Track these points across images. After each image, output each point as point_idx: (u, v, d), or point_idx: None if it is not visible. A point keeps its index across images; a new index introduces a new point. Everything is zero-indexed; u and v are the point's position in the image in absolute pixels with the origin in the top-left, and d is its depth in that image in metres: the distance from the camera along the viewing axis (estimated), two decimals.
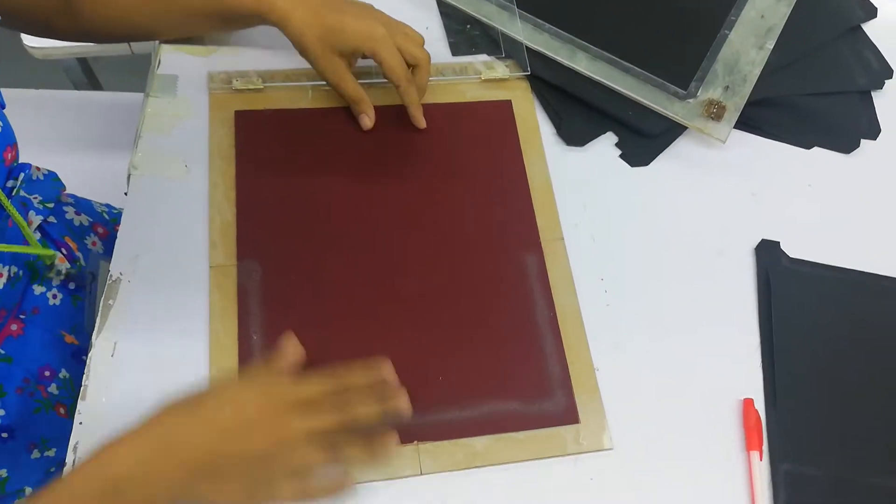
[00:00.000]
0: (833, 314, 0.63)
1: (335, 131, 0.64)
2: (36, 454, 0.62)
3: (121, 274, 0.56)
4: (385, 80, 0.64)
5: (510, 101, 0.68)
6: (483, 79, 0.69)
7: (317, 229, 0.59)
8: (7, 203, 0.54)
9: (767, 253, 0.64)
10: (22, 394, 0.58)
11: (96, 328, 0.54)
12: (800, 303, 0.62)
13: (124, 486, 0.42)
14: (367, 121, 0.64)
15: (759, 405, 0.58)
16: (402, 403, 0.48)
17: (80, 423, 0.50)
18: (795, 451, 0.56)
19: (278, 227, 0.59)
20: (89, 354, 0.53)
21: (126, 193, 0.60)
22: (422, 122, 0.64)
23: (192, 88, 0.65)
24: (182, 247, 0.58)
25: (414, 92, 0.63)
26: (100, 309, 0.54)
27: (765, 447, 0.56)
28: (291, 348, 0.49)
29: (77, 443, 0.50)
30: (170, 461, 0.43)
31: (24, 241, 0.58)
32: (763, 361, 0.60)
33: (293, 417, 0.46)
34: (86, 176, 0.81)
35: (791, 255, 0.64)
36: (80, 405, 0.51)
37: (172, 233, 0.58)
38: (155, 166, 0.61)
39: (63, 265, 0.61)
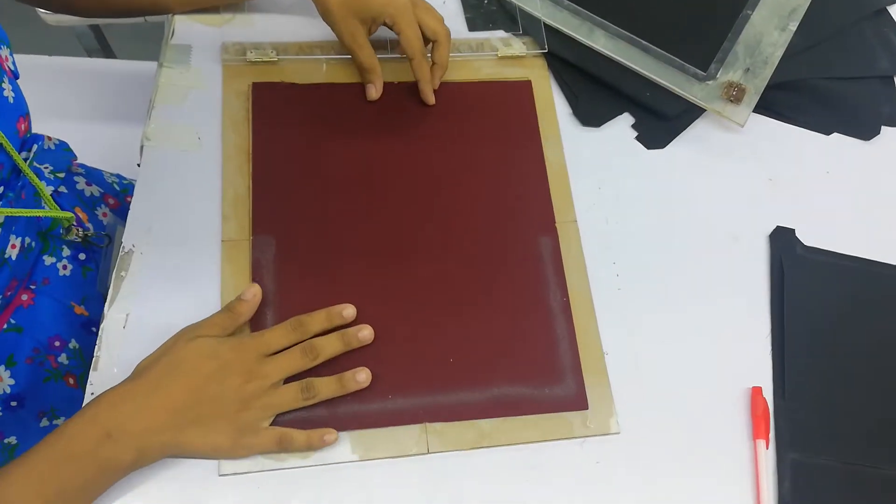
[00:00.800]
0: (846, 304, 0.62)
1: (351, 107, 0.63)
2: (45, 423, 0.63)
3: (133, 246, 0.56)
4: (402, 56, 0.63)
5: (530, 81, 0.67)
6: (499, 56, 0.68)
7: (330, 207, 0.59)
8: (27, 169, 0.54)
9: (782, 240, 0.63)
10: (32, 363, 0.59)
11: (108, 299, 0.54)
12: (813, 291, 0.62)
13: (117, 433, 0.46)
14: (374, 91, 0.63)
15: (768, 393, 0.58)
16: (365, 333, 0.53)
17: (92, 394, 0.51)
18: (803, 440, 0.56)
19: (293, 203, 0.59)
20: (101, 325, 0.53)
21: (139, 165, 0.59)
22: (430, 99, 0.64)
23: (205, 59, 0.64)
24: (195, 219, 0.57)
25: (426, 67, 0.63)
26: (112, 280, 0.55)
27: (772, 436, 0.56)
28: (246, 302, 0.53)
29: None
30: (157, 407, 0.47)
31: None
32: (773, 350, 0.59)
33: (264, 362, 0.50)
34: (96, 145, 0.81)
35: (807, 243, 0.64)
36: (91, 375, 0.52)
37: (185, 205, 0.58)
38: (168, 138, 0.60)
39: (77, 232, 0.61)
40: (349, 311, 0.54)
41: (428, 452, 0.52)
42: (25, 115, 0.55)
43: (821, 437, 0.57)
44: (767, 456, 0.55)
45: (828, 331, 0.61)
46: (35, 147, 0.59)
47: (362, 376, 0.52)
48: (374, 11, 0.60)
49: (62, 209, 0.63)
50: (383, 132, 0.63)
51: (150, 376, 0.48)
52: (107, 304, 0.54)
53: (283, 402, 0.51)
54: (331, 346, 0.52)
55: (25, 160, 0.55)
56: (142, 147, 0.60)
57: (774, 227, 0.64)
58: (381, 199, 0.60)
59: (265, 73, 0.64)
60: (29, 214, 0.55)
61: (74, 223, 0.61)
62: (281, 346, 0.51)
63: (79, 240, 0.62)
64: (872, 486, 0.56)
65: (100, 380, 0.51)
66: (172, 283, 0.55)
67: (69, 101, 0.98)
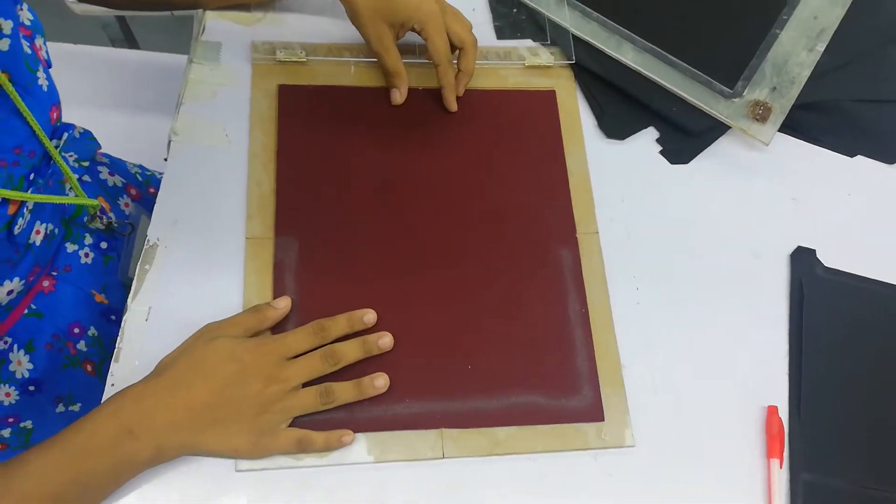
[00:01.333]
0: (865, 327, 0.62)
1: (376, 112, 0.64)
2: (61, 408, 0.63)
3: (158, 240, 0.56)
4: (429, 62, 0.63)
5: (554, 91, 0.67)
6: (527, 65, 0.68)
7: (352, 210, 0.59)
8: (58, 157, 0.55)
9: (802, 260, 0.63)
10: (51, 349, 0.59)
11: (132, 292, 0.54)
12: (832, 313, 0.62)
13: (138, 429, 0.46)
14: (398, 96, 0.63)
15: (784, 413, 0.58)
16: (385, 340, 0.54)
17: (112, 385, 0.51)
18: (817, 461, 0.56)
19: (316, 204, 0.59)
20: (124, 318, 0.54)
21: (166, 159, 0.60)
22: (453, 106, 0.64)
23: (235, 57, 0.65)
24: (219, 216, 0.58)
25: (451, 75, 0.63)
26: (136, 273, 0.55)
27: (786, 456, 0.56)
28: (277, 307, 0.53)
29: None
30: (177, 406, 0.48)
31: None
32: (790, 369, 0.59)
33: (285, 365, 0.51)
34: (118, 134, 0.82)
35: (827, 264, 0.64)
36: (112, 367, 0.52)
37: (210, 201, 0.58)
38: (196, 134, 0.61)
39: (104, 217, 0.62)
40: (370, 316, 0.54)
41: (443, 457, 0.52)
42: (57, 104, 0.56)
43: (835, 459, 0.57)
44: (781, 476, 0.55)
45: (846, 353, 0.61)
46: (66, 136, 0.60)
47: (380, 382, 0.53)
48: (403, 16, 0.60)
49: (87, 197, 0.63)
50: (408, 137, 0.63)
51: (171, 374, 0.49)
52: (130, 297, 0.54)
53: (302, 405, 0.51)
54: (352, 353, 0.53)
55: (56, 148, 0.56)
56: (169, 141, 0.60)
57: (795, 246, 0.64)
58: (403, 204, 0.60)
59: (294, 72, 0.64)
60: (58, 201, 0.56)
61: (100, 211, 0.61)
62: (301, 350, 0.52)
63: (102, 227, 0.62)
64: None
65: (121, 372, 0.52)
66: (196, 277, 0.55)
67: (92, 90, 0.99)
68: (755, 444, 0.56)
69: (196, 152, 0.60)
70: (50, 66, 0.56)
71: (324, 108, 0.63)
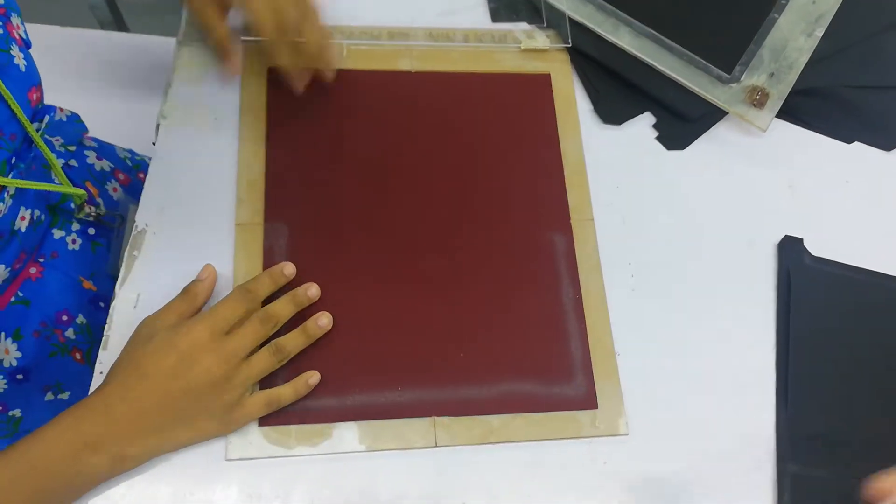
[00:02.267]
0: (853, 317, 0.62)
1: (368, 95, 0.63)
2: (49, 396, 0.63)
3: (146, 225, 0.55)
4: (419, 43, 0.62)
5: (549, 74, 0.66)
6: (522, 48, 0.67)
7: (344, 195, 0.58)
8: (39, 140, 0.53)
9: (790, 249, 0.63)
10: (39, 337, 0.58)
11: (120, 279, 0.54)
12: (819, 302, 0.61)
13: (94, 442, 0.45)
14: (234, 69, 0.59)
15: (770, 403, 0.57)
16: (312, 290, 0.53)
17: (101, 373, 0.50)
18: (804, 452, 0.56)
19: (306, 189, 0.58)
20: (112, 305, 0.53)
21: (154, 143, 0.59)
22: (298, 88, 0.58)
23: None
24: (209, 201, 0.57)
25: (284, 50, 0.56)
26: (124, 259, 0.54)
27: (772, 448, 0.56)
28: (202, 283, 0.52)
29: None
30: (131, 415, 0.46)
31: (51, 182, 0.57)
32: (777, 360, 0.59)
33: (225, 340, 0.49)
34: (107, 118, 0.80)
35: (822, 252, 0.63)
36: (100, 355, 0.51)
37: (200, 186, 0.57)
38: (184, 117, 0.60)
39: (90, 210, 0.61)
40: (290, 269, 0.53)
41: (436, 446, 0.52)
42: (37, 85, 0.54)
43: (822, 450, 0.56)
44: (768, 468, 0.55)
45: (833, 343, 0.60)
46: (47, 118, 0.58)
47: (324, 321, 0.52)
48: None
49: (73, 184, 0.62)
50: (400, 121, 0.62)
51: (117, 383, 0.47)
52: (118, 284, 0.53)
53: (257, 370, 0.50)
54: (284, 310, 0.51)
55: (37, 131, 0.55)
56: (158, 125, 0.59)
57: (784, 235, 0.63)
58: (395, 189, 0.60)
59: None
60: (40, 188, 0.54)
61: (86, 200, 0.60)
62: (236, 318, 0.50)
63: (91, 218, 0.61)
64: None
65: (109, 359, 0.51)
66: (185, 264, 0.54)
67: (81, 74, 0.97)
68: (747, 432, 0.56)
69: (185, 136, 0.59)
70: (29, 47, 0.55)
71: (316, 91, 0.62)
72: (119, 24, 1.10)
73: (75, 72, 0.96)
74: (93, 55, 1.00)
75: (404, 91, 0.63)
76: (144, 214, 0.56)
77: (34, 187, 0.53)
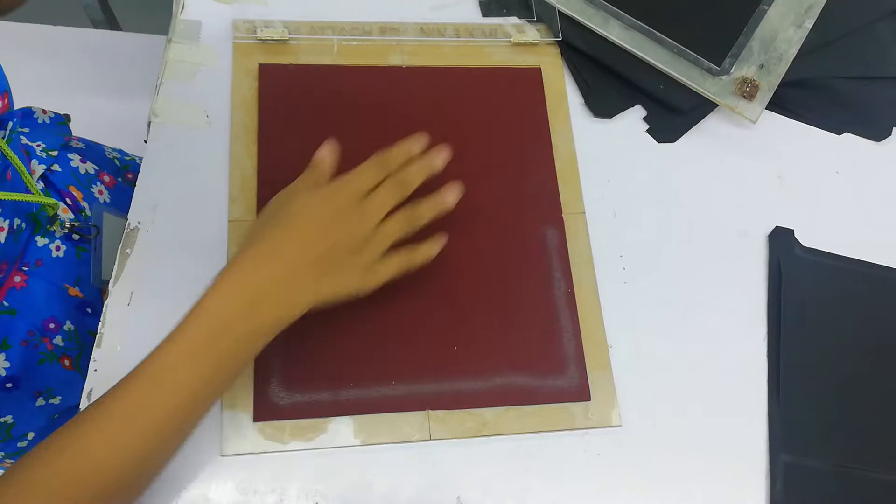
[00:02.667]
0: (843, 307, 0.62)
1: (359, 90, 0.63)
2: (41, 402, 0.62)
3: (139, 223, 0.56)
4: (410, 38, 0.62)
5: (539, 68, 0.66)
6: (513, 42, 0.67)
7: None
8: (7, 149, 0.52)
9: (780, 240, 0.63)
10: (27, 346, 0.58)
11: (113, 276, 0.54)
12: (810, 293, 0.62)
13: (259, 298, 0.46)
14: None
15: (762, 393, 0.58)
16: (440, 159, 0.55)
17: (95, 371, 0.51)
18: (796, 442, 0.56)
19: None
20: (105, 303, 0.53)
21: (146, 141, 0.59)
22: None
23: (215, 36, 0.63)
24: (201, 198, 0.57)
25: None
26: (117, 257, 0.54)
27: (765, 437, 0.56)
28: (327, 154, 0.53)
29: (91, 390, 0.50)
30: (286, 265, 0.48)
31: (27, 191, 0.56)
32: (769, 350, 0.59)
33: (364, 203, 0.51)
34: (100, 119, 0.81)
35: (812, 243, 0.63)
36: (95, 353, 0.51)
37: (192, 183, 0.58)
38: (176, 115, 0.60)
39: (66, 216, 0.60)
40: (418, 144, 0.55)
41: (430, 439, 0.52)
42: (6, 91, 0.52)
43: (814, 439, 0.57)
44: (760, 458, 0.55)
45: (824, 333, 0.61)
46: (10, 125, 0.56)
47: (453, 194, 0.54)
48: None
49: (56, 188, 0.61)
50: (391, 116, 0.62)
51: (269, 240, 0.48)
52: (111, 281, 0.54)
53: (393, 232, 0.52)
54: (416, 176, 0.53)
55: (3, 138, 0.53)
56: (149, 123, 0.59)
57: (775, 226, 0.64)
58: None
59: (276, 52, 0.63)
60: (10, 198, 0.53)
61: (59, 211, 0.59)
62: (371, 185, 0.52)
63: (65, 231, 0.60)
64: (864, 489, 0.56)
65: (103, 357, 0.51)
66: (178, 261, 0.55)
67: (73, 73, 0.97)
68: (740, 422, 0.57)
69: (177, 134, 0.59)
70: None
71: (306, 87, 0.62)
72: (111, 23, 1.10)
73: (67, 71, 0.96)
74: (85, 54, 1.00)
75: (395, 86, 0.63)
76: (137, 212, 0.56)
77: (5, 198, 0.52)
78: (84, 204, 0.62)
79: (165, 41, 0.63)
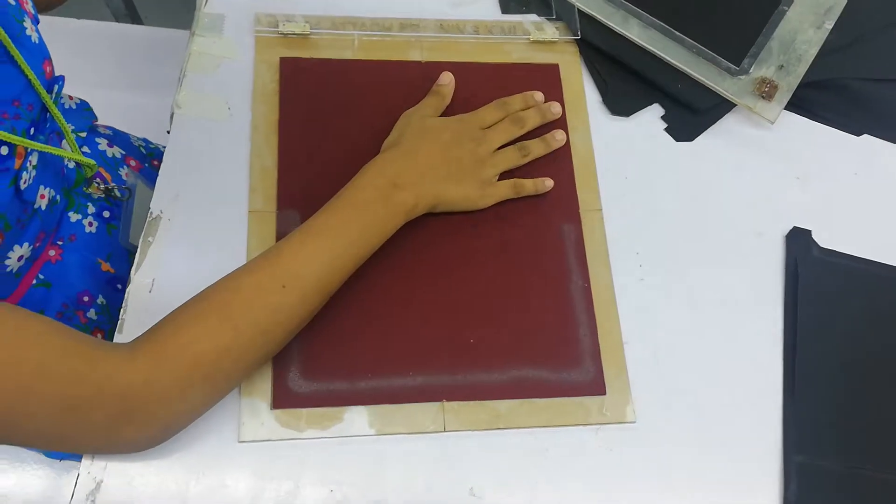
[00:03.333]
0: (860, 309, 0.62)
1: (379, 85, 0.63)
2: None
3: (161, 212, 0.56)
4: (430, 35, 0.63)
5: (557, 65, 0.67)
6: (532, 40, 0.67)
7: None
8: (54, 109, 0.53)
9: (798, 241, 0.63)
10: (62, 318, 0.59)
11: (135, 264, 0.55)
12: (827, 294, 0.61)
13: (400, 181, 0.55)
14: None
15: (778, 394, 0.58)
16: (556, 107, 0.64)
17: None
18: (810, 443, 0.56)
19: (319, 177, 0.59)
20: (127, 289, 0.54)
21: (168, 131, 0.60)
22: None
23: (238, 29, 0.64)
24: (222, 188, 0.58)
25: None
26: (139, 245, 0.55)
27: (779, 437, 0.56)
28: (449, 81, 0.63)
29: None
30: (421, 165, 0.56)
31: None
32: (784, 350, 0.59)
33: (485, 131, 0.61)
34: (122, 110, 0.82)
35: (830, 244, 0.63)
36: (116, 338, 0.52)
37: (213, 174, 0.58)
38: (198, 106, 0.61)
39: (101, 182, 0.62)
40: (539, 95, 0.64)
41: (444, 430, 0.53)
42: (49, 59, 0.54)
43: (827, 440, 0.57)
44: (774, 458, 0.55)
45: (840, 334, 0.60)
46: (56, 88, 0.57)
47: (560, 136, 0.63)
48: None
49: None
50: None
51: (406, 146, 0.57)
52: (133, 269, 0.54)
53: (507, 160, 0.60)
54: (532, 119, 0.62)
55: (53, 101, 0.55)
56: (172, 114, 0.60)
57: (793, 227, 0.64)
58: None
59: (297, 45, 0.64)
60: (55, 152, 0.53)
61: (96, 174, 0.61)
62: (492, 122, 0.61)
63: (101, 194, 0.62)
64: (877, 491, 0.56)
65: (124, 341, 0.52)
66: (199, 250, 0.55)
67: (96, 66, 0.98)
68: (754, 422, 0.57)
69: (199, 125, 0.60)
70: (38, 22, 0.55)
71: (326, 81, 0.63)
72: (133, 17, 1.11)
73: (91, 63, 0.98)
74: (108, 47, 1.01)
75: (415, 81, 0.64)
76: (159, 201, 0.57)
77: (51, 151, 0.53)
78: (112, 185, 0.63)
79: (189, 34, 0.64)
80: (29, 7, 0.53)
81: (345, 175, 0.59)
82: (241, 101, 0.61)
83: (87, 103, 0.67)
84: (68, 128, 0.56)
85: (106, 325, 0.62)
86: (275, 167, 0.59)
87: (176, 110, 0.60)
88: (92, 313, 0.61)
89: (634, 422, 0.55)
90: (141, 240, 0.55)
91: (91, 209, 0.62)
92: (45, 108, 0.53)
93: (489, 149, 0.59)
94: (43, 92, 0.51)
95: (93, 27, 1.03)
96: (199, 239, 0.56)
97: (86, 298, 0.60)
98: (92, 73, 0.97)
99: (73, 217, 0.61)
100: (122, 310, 0.53)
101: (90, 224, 0.62)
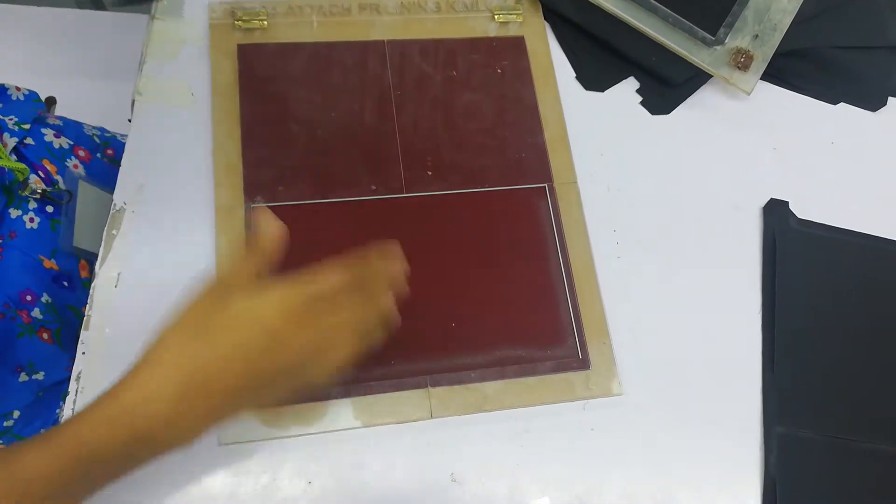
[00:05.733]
0: (837, 278, 0.62)
1: (340, 66, 0.62)
2: (24, 377, 0.62)
3: (125, 203, 0.55)
4: (391, 16, 0.61)
5: (523, 37, 0.65)
6: (494, 13, 0.66)
7: (322, 168, 0.58)
8: None
9: (775, 213, 0.62)
10: (3, 319, 0.58)
11: (99, 258, 0.53)
12: (805, 265, 0.61)
13: (156, 434, 0.38)
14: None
15: (757, 366, 0.57)
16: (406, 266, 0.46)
17: (84, 353, 0.50)
18: (790, 414, 0.56)
19: (284, 166, 0.57)
20: (93, 284, 0.52)
21: (130, 120, 0.58)
22: None
23: (199, 11, 0.62)
24: (188, 178, 0.56)
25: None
26: (103, 238, 0.53)
27: (759, 409, 0.56)
28: (271, 228, 0.43)
29: (80, 372, 0.49)
30: (206, 395, 0.39)
31: None
32: (763, 322, 0.59)
33: (320, 316, 0.41)
34: (85, 100, 0.79)
35: (807, 215, 0.63)
36: (83, 335, 0.51)
37: (178, 163, 0.56)
38: (160, 93, 0.59)
39: (38, 186, 0.60)
40: (396, 249, 0.47)
41: (431, 418, 0.52)
42: None
43: (807, 410, 0.57)
44: (755, 429, 0.55)
45: (818, 305, 0.60)
46: None
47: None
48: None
49: (29, 161, 0.61)
50: (373, 91, 0.61)
51: (179, 359, 0.39)
52: (98, 263, 0.53)
53: (347, 356, 0.42)
54: (386, 301, 0.45)
55: None
56: (133, 102, 0.58)
57: (770, 198, 0.63)
58: (374, 161, 0.59)
59: (254, 31, 0.61)
60: None
61: (29, 176, 0.58)
62: (338, 290, 0.43)
63: (37, 195, 0.60)
64: (857, 459, 0.56)
65: (91, 339, 0.50)
66: (165, 242, 0.54)
67: (57, 55, 0.95)
68: (735, 394, 0.56)
69: (161, 112, 0.58)
70: None
71: (287, 66, 0.61)
72: (96, 3, 1.08)
73: (52, 52, 0.95)
74: (69, 35, 0.98)
75: (377, 60, 0.62)
76: (122, 193, 0.55)
77: None
78: (57, 178, 0.61)
79: (148, 18, 0.62)
80: None
81: (310, 162, 0.57)
82: (203, 87, 0.59)
83: (35, 93, 0.65)
84: None
85: (52, 324, 0.60)
86: (239, 161, 0.57)
87: (137, 98, 0.58)
88: (37, 312, 0.59)
89: (621, 394, 0.54)
90: (105, 233, 0.54)
91: (33, 205, 0.60)
92: None
93: (321, 342, 0.41)
94: None
95: (55, 14, 1.00)
96: (165, 231, 0.54)
97: (28, 297, 0.58)
98: (53, 61, 0.94)
99: (14, 213, 0.58)
100: (87, 305, 0.51)
101: (31, 220, 0.59)
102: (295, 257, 0.45)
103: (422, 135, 0.60)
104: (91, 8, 1.05)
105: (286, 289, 0.41)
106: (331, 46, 0.62)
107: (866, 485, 0.56)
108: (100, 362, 0.50)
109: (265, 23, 0.61)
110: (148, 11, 0.63)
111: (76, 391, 0.49)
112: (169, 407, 0.38)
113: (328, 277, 0.43)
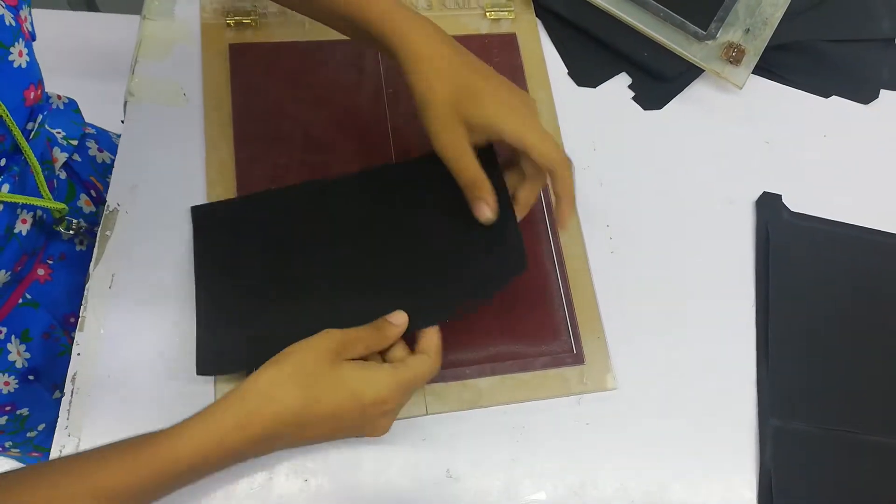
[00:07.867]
0: (831, 271, 0.62)
1: (331, 65, 0.62)
2: (57, 395, 0.62)
3: (118, 204, 0.55)
4: None
5: (514, 34, 0.65)
6: (486, 10, 0.66)
7: (314, 165, 0.58)
8: (27, 150, 0.49)
9: (768, 206, 0.63)
10: (48, 339, 0.58)
11: (93, 259, 0.53)
12: (798, 258, 0.61)
13: (238, 457, 0.43)
14: (488, 211, 0.49)
15: (751, 359, 0.58)
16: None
17: (79, 355, 0.50)
18: (785, 406, 0.56)
19: (277, 164, 0.57)
20: (86, 286, 0.52)
21: (123, 121, 0.58)
22: (567, 224, 0.51)
23: (190, 11, 0.62)
24: (181, 178, 0.56)
25: (572, 181, 0.49)
26: (97, 239, 0.53)
27: (754, 402, 0.56)
28: (398, 320, 0.48)
29: (76, 373, 0.50)
30: (289, 439, 0.44)
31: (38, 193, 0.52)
32: (757, 315, 0.59)
33: (401, 404, 0.47)
34: (80, 102, 0.79)
35: (800, 207, 0.63)
36: (77, 336, 0.51)
37: (171, 163, 0.56)
38: (152, 93, 0.59)
39: (73, 221, 0.56)
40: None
41: (426, 414, 0.52)
42: (38, 82, 0.50)
43: (802, 403, 0.57)
44: (750, 422, 0.55)
45: (812, 297, 0.60)
46: (40, 118, 0.53)
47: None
48: (488, 118, 0.47)
49: (80, 178, 0.60)
50: (366, 89, 0.61)
51: (286, 400, 0.42)
52: (92, 264, 0.53)
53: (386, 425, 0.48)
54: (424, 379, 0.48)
55: (31, 131, 0.51)
56: (125, 103, 0.58)
57: (763, 191, 0.63)
58: (367, 158, 0.59)
59: (246, 31, 0.61)
60: (22, 201, 0.49)
61: (66, 215, 0.55)
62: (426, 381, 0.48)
63: (71, 233, 0.56)
64: (851, 451, 0.57)
65: (86, 340, 0.50)
66: (159, 242, 0.54)
67: (52, 56, 0.95)
68: (730, 387, 0.57)
69: (154, 113, 0.58)
70: (34, 40, 0.50)
71: (278, 65, 0.61)
72: (89, 4, 1.08)
73: (46, 54, 0.95)
74: (63, 36, 0.98)
75: (369, 59, 0.62)
76: (116, 193, 0.55)
77: (16, 200, 0.48)
78: (84, 225, 0.58)
79: (140, 19, 0.62)
80: (27, 27, 0.48)
81: (305, 160, 0.57)
82: (195, 86, 0.59)
83: (75, 102, 0.62)
84: (39, 168, 0.50)
85: None
86: (232, 160, 0.57)
87: (129, 98, 0.58)
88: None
89: (615, 388, 0.54)
90: (98, 234, 0.54)
91: (65, 235, 0.57)
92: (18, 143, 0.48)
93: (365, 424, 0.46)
94: (14, 127, 0.46)
95: (47, 16, 1.00)
96: (158, 232, 0.54)
97: (72, 319, 0.58)
98: (47, 63, 0.94)
99: (65, 235, 0.57)
100: (82, 307, 0.51)
101: (80, 242, 0.59)
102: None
103: (414, 133, 0.60)
104: (84, 9, 1.05)
105: (389, 376, 0.45)
106: (322, 45, 0.62)
107: (861, 476, 0.56)
108: (95, 363, 0.50)
109: (257, 22, 0.61)
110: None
111: (71, 392, 0.49)
112: (258, 439, 0.42)
113: (419, 370, 0.47)
